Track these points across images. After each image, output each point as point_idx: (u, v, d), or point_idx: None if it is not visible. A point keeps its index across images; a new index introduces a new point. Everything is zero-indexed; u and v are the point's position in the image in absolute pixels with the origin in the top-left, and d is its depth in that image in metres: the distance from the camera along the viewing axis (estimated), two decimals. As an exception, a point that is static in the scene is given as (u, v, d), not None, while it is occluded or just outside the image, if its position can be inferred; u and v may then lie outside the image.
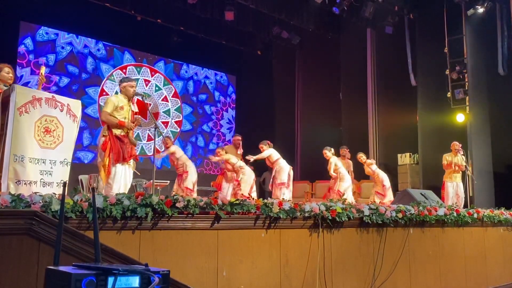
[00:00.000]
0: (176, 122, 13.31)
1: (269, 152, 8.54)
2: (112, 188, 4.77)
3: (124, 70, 12.41)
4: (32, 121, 4.28)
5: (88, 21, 11.33)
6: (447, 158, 8.94)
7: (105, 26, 11.62)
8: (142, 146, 12.25)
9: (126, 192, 4.61)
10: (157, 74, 13.08)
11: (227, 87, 14.90)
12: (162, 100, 13.04)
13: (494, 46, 10.41)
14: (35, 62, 10.93)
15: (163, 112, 13.01)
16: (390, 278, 5.08)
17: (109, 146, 4.81)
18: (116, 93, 4.86)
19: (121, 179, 4.91)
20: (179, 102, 13.40)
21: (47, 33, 11.23)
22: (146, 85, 12.81)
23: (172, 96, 13.30)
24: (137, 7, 11.21)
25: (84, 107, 10.95)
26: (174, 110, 13.29)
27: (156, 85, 13.00)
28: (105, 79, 12.05)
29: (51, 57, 11.24)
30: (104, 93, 11.93)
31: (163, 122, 13.00)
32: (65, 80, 11.39)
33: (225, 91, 14.83)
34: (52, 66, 11.18)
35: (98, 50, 12.09)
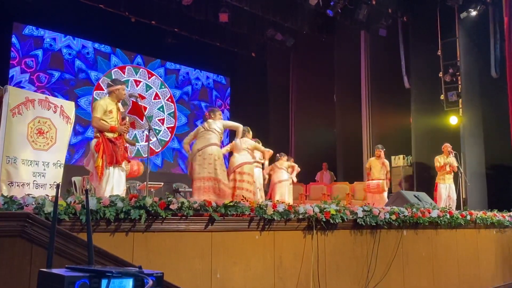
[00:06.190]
0: (168, 128, 13.22)
1: None
2: (104, 190, 4.75)
3: (121, 71, 12.36)
4: (25, 122, 4.26)
5: (81, 22, 11.24)
6: (439, 160, 8.97)
7: (98, 27, 11.54)
8: (138, 148, 12.19)
9: (123, 195, 4.60)
10: (153, 76, 13.04)
11: (221, 89, 14.89)
12: (154, 98, 12.92)
13: (487, 48, 10.47)
14: (25, 61, 10.86)
15: (157, 109, 12.93)
16: (384, 279, 5.09)
17: (101, 148, 4.78)
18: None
19: (114, 181, 4.89)
20: (173, 107, 13.35)
21: (39, 33, 11.17)
22: (137, 85, 12.76)
23: (167, 100, 13.25)
24: (131, 8, 11.16)
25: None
26: (168, 114, 13.23)
27: (147, 86, 12.95)
28: (103, 75, 12.00)
29: (41, 58, 11.17)
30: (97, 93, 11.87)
31: (159, 120, 12.93)
32: (58, 83, 11.33)
33: (219, 93, 14.82)
34: (41, 67, 11.11)
35: (92, 51, 12.04)
